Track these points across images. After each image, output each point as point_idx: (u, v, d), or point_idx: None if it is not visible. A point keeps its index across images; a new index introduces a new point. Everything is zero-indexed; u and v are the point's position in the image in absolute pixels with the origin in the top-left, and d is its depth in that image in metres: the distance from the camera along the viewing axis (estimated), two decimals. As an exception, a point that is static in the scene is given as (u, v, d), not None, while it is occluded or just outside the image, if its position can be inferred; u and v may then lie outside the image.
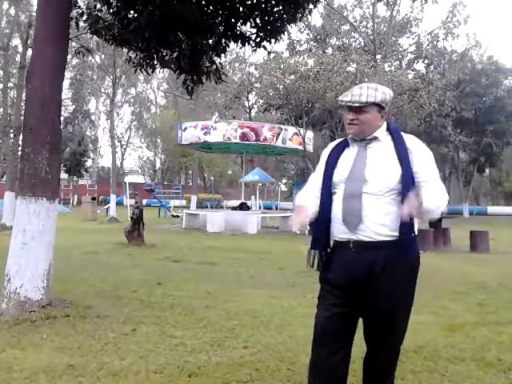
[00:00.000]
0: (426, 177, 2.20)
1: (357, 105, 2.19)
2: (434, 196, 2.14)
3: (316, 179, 2.38)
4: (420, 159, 2.21)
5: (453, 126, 30.05)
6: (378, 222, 2.16)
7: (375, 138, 2.27)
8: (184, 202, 31.59)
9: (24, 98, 7.48)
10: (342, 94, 2.28)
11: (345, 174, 2.24)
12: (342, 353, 2.25)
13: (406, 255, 2.19)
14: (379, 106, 2.22)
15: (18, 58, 21.47)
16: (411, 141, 2.27)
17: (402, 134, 2.28)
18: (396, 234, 2.16)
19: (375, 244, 2.16)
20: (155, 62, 6.17)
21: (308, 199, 2.32)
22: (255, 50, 6.09)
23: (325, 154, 2.41)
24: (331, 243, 2.30)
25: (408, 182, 2.16)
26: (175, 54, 6.01)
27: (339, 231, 2.23)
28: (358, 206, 2.17)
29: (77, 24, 5.95)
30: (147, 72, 6.44)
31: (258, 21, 5.70)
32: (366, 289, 2.17)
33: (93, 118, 45.54)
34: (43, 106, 4.55)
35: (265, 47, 6.02)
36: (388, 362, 2.34)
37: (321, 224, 2.30)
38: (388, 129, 2.29)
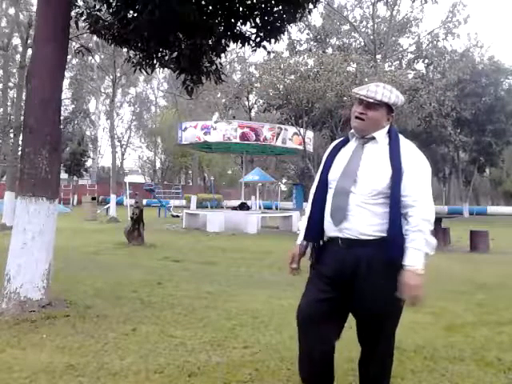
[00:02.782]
0: (414, 195, 2.17)
1: (371, 100, 2.22)
2: (423, 235, 2.17)
3: (314, 186, 2.44)
4: (411, 175, 2.18)
5: (453, 126, 30.05)
6: (364, 223, 2.20)
7: (373, 138, 2.29)
8: (184, 202, 31.59)
9: (24, 98, 7.48)
10: (358, 87, 2.31)
11: (339, 172, 2.29)
12: (326, 338, 2.26)
13: (394, 254, 2.19)
14: (389, 108, 2.27)
15: (18, 58, 21.44)
16: (408, 151, 2.24)
17: (402, 138, 2.28)
18: (383, 234, 2.19)
19: (362, 242, 2.21)
20: (155, 62, 6.18)
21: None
22: (255, 50, 6.08)
23: (325, 155, 2.46)
24: (324, 239, 2.35)
25: (396, 185, 2.17)
26: (175, 54, 6.01)
27: (330, 229, 2.29)
28: (345, 203, 2.22)
29: (77, 24, 5.94)
30: (147, 72, 6.44)
31: (257, 21, 5.69)
32: (355, 284, 2.21)
33: (93, 117, 45.55)
34: (43, 105, 4.55)
35: (265, 47, 6.01)
36: (382, 362, 2.35)
37: (314, 217, 2.36)
38: (388, 131, 2.30)
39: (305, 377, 2.36)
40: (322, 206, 2.32)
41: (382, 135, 2.29)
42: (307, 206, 2.46)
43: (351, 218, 2.21)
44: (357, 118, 2.26)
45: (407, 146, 2.26)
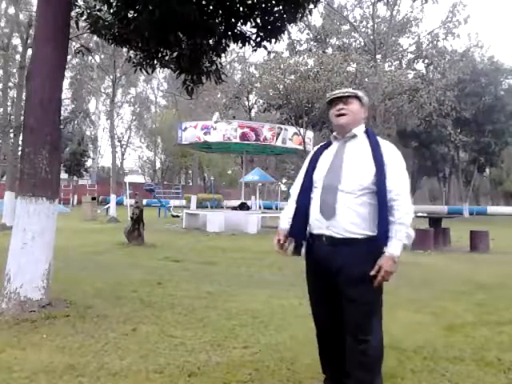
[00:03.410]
0: (397, 190, 2.33)
1: (346, 94, 2.47)
2: (406, 228, 2.30)
3: (297, 186, 2.62)
4: (393, 170, 2.35)
5: (453, 126, 30.02)
6: (350, 221, 2.32)
7: (354, 136, 2.48)
8: (184, 202, 31.58)
9: (24, 98, 7.48)
10: (330, 94, 2.58)
11: (324, 171, 2.44)
12: (333, 322, 2.49)
13: (378, 252, 2.29)
14: (360, 102, 2.52)
15: (18, 58, 21.42)
16: (387, 148, 2.43)
17: (378, 138, 2.48)
18: (368, 232, 2.31)
19: (346, 240, 2.32)
20: (155, 62, 6.17)
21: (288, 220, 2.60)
22: (255, 50, 6.08)
23: (308, 158, 2.63)
24: (308, 235, 2.49)
25: (382, 182, 2.30)
26: (175, 54, 6.01)
27: (316, 226, 2.41)
28: (333, 200, 2.35)
29: (77, 24, 5.95)
30: (147, 72, 6.44)
31: (258, 21, 5.69)
32: (339, 280, 2.34)
33: (93, 117, 45.56)
34: (43, 105, 4.55)
35: (265, 47, 6.01)
36: (370, 364, 2.40)
37: (299, 213, 2.51)
38: (366, 131, 2.51)
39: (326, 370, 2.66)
40: (308, 204, 2.46)
41: (361, 133, 2.48)
42: (290, 202, 2.64)
43: (338, 217, 2.33)
44: (339, 115, 2.47)
45: (385, 144, 2.45)
